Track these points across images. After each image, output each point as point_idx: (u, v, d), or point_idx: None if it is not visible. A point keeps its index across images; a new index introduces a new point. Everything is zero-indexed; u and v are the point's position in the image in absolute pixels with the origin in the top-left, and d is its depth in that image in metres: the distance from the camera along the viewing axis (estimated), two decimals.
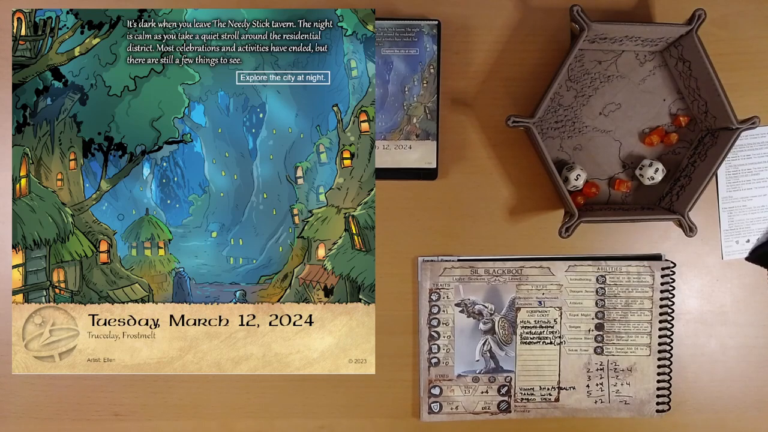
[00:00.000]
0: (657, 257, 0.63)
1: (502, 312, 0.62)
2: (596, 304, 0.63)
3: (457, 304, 0.62)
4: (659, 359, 0.63)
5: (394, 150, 0.59)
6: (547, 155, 0.57)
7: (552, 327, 0.63)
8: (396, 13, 0.61)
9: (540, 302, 0.63)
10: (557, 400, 0.63)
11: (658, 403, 0.63)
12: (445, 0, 0.61)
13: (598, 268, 0.63)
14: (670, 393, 0.63)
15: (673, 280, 0.63)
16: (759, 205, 0.64)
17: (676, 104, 0.62)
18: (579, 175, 0.60)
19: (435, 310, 0.62)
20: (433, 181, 0.61)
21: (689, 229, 0.58)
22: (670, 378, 0.63)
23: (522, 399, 0.63)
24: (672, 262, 0.63)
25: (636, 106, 0.62)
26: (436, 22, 0.58)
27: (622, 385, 0.63)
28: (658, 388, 0.63)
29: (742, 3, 0.62)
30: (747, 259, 0.64)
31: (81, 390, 0.62)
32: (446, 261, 0.62)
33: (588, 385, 0.63)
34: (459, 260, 0.62)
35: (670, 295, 0.63)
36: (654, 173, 0.60)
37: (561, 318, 0.63)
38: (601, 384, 0.63)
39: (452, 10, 0.61)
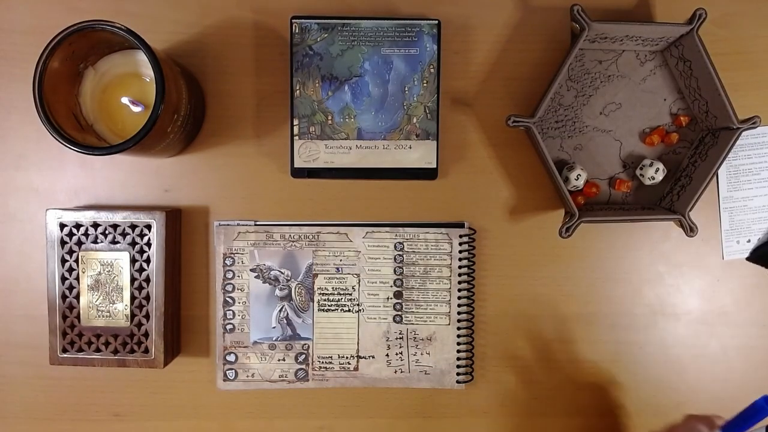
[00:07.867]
0: (459, 225, 0.62)
1: (299, 278, 0.61)
2: (395, 271, 0.62)
3: (252, 270, 0.61)
4: (459, 328, 0.62)
5: (394, 150, 0.59)
6: (548, 155, 0.57)
7: (350, 294, 0.61)
8: (396, 12, 0.61)
9: (338, 269, 0.61)
10: (356, 369, 0.62)
11: (458, 374, 0.62)
12: (445, 0, 0.61)
13: (396, 235, 0.61)
14: (473, 363, 0.62)
15: (473, 248, 0.61)
16: (760, 205, 0.64)
17: (676, 104, 0.62)
18: (579, 175, 0.59)
19: (230, 275, 0.61)
20: (433, 181, 0.61)
21: (690, 229, 0.58)
22: (472, 348, 0.62)
23: (320, 367, 0.61)
24: (472, 229, 0.62)
25: (636, 106, 0.61)
26: (436, 22, 0.58)
27: (422, 354, 0.62)
28: (459, 359, 0.62)
29: (743, 3, 0.62)
30: (748, 259, 0.64)
31: (81, 390, 0.62)
32: (242, 225, 0.60)
33: (387, 354, 0.62)
34: (255, 224, 0.61)
35: (469, 263, 0.61)
36: (654, 173, 0.60)
37: (359, 285, 0.61)
38: (401, 353, 0.62)
39: (452, 10, 0.61)
